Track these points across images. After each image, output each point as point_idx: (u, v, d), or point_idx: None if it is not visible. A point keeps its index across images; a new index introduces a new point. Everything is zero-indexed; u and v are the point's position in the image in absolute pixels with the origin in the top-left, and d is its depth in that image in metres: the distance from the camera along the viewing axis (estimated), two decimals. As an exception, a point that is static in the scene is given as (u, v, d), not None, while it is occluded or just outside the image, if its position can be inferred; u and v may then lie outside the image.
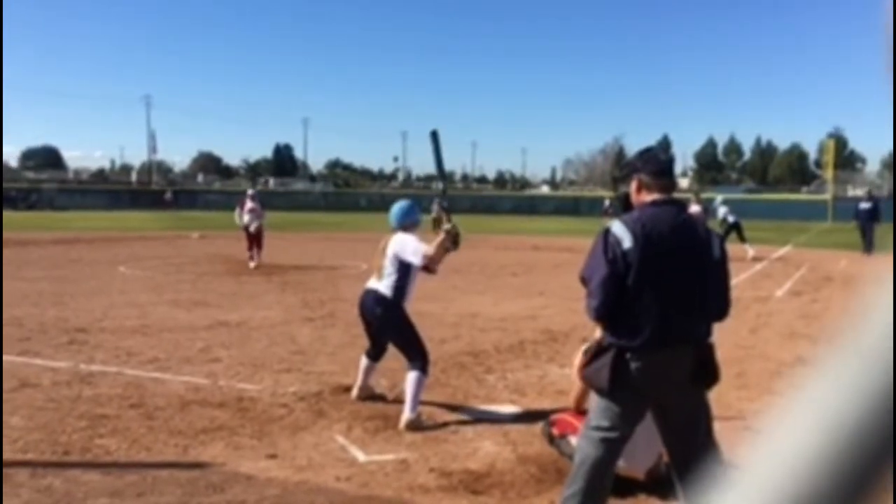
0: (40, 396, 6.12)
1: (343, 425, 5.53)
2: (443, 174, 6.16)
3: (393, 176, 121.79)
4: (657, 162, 3.65)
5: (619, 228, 3.42)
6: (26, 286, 13.04)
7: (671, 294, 3.37)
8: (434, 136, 6.05)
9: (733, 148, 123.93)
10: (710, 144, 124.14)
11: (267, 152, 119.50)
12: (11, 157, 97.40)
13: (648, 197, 3.55)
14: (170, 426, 5.42)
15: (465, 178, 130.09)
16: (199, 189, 79.56)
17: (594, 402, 3.57)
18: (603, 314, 3.39)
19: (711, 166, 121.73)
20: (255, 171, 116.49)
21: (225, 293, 12.78)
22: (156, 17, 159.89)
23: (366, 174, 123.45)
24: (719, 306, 3.54)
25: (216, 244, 23.11)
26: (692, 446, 3.51)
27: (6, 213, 28.22)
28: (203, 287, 13.56)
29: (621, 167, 4.01)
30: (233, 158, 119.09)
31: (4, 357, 7.46)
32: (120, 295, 12.25)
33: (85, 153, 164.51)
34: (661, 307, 3.34)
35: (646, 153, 3.76)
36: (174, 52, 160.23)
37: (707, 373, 3.47)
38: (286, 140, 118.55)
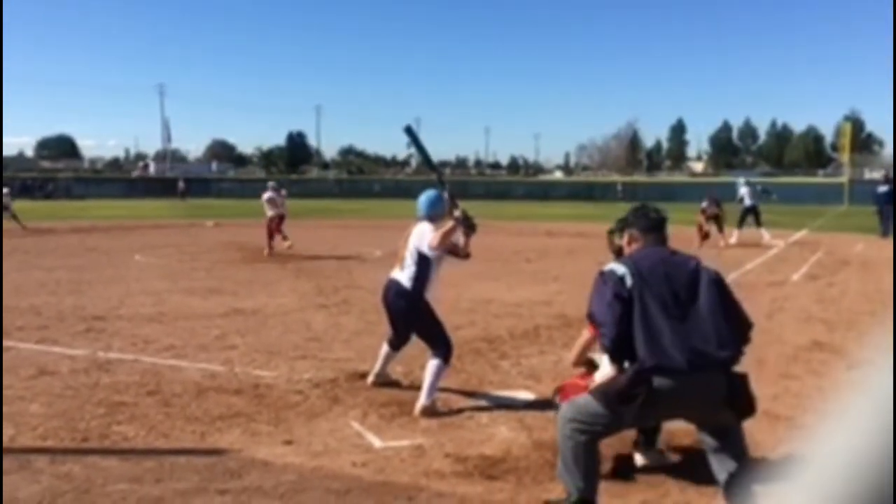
0: (59, 384, 6.18)
1: (358, 412, 5.55)
2: (431, 164, 6.08)
3: (406, 162, 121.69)
4: (648, 219, 3.99)
5: (616, 267, 3.69)
6: (44, 275, 13.14)
7: (675, 321, 3.50)
8: (409, 130, 6.04)
9: (748, 131, 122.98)
10: (725, 128, 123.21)
11: (280, 140, 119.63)
12: (27, 147, 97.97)
13: (638, 246, 3.93)
14: (187, 413, 5.46)
15: (478, 163, 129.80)
16: (213, 177, 79.83)
17: (585, 402, 3.65)
18: (617, 346, 3.52)
19: (726, 150, 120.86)
20: (268, 158, 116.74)
21: (240, 281, 12.83)
22: (170, 5, 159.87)
23: (379, 161, 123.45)
24: (736, 331, 3.61)
25: (230, 232, 23.20)
26: (723, 447, 3.66)
27: (23, 203, 28.41)
28: (218, 275, 13.63)
29: (617, 221, 4.30)
30: (246, 147, 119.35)
31: (23, 345, 7.54)
32: (136, 283, 12.33)
33: (99, 142, 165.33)
34: (669, 334, 3.46)
35: (639, 210, 4.10)
36: (188, 40, 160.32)
37: (740, 403, 3.56)
38: (299, 128, 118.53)
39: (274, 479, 4.27)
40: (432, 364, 5.64)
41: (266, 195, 17.86)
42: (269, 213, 17.54)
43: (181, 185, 59.39)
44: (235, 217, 27.30)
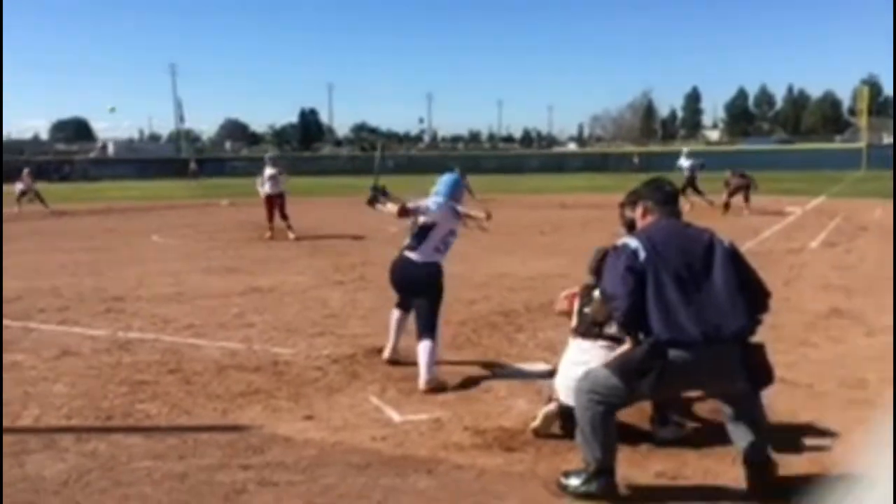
0: (81, 364, 6.26)
1: (377, 386, 5.60)
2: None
3: (419, 138, 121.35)
4: (663, 192, 4.01)
5: (629, 241, 3.69)
6: (64, 257, 13.27)
7: (690, 294, 3.51)
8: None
9: (765, 98, 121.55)
10: (741, 95, 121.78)
11: (293, 118, 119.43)
12: (42, 130, 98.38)
13: (652, 219, 3.91)
14: (208, 391, 5.53)
15: (490, 137, 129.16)
16: (227, 157, 79.98)
17: (602, 374, 3.68)
18: (630, 319, 3.54)
19: (742, 117, 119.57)
20: (280, 136, 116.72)
21: (256, 259, 12.91)
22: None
23: (392, 137, 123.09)
24: (753, 300, 3.61)
25: (245, 211, 23.27)
26: (741, 415, 3.72)
27: (41, 186, 28.63)
28: (234, 253, 13.71)
29: (629, 194, 4.34)
30: (259, 125, 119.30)
31: (46, 327, 7.63)
32: (154, 263, 12.43)
33: (114, 123, 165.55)
34: (683, 306, 3.47)
35: (653, 182, 4.10)
36: (199, 18, 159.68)
37: (757, 373, 3.58)
38: (311, 105, 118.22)
39: (295, 454, 4.33)
40: (424, 345, 5.58)
41: (268, 171, 16.27)
42: (269, 190, 16.16)
43: (192, 165, 59.42)
44: (250, 196, 27.35)
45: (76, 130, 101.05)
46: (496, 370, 6.01)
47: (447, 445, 4.45)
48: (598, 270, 4.71)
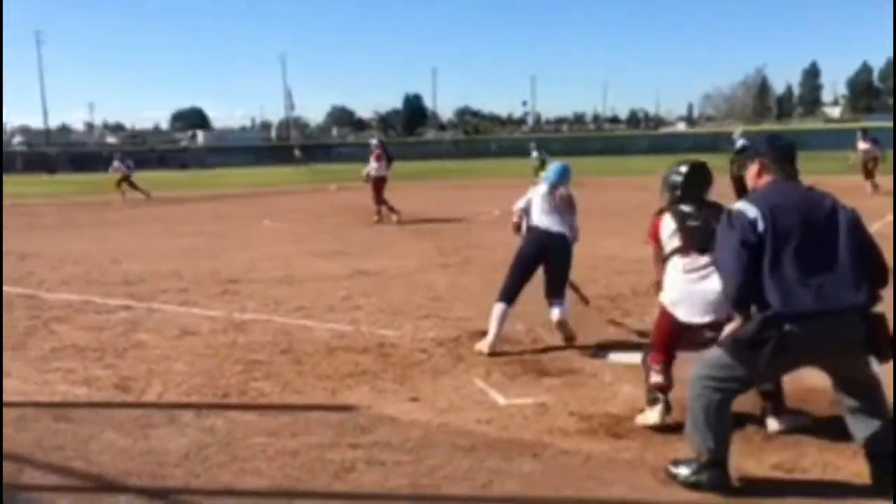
0: (200, 343, 6.55)
1: (482, 370, 5.61)
2: None
3: (522, 120, 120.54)
4: (784, 148, 3.75)
5: (747, 208, 3.45)
6: (183, 241, 13.92)
7: (809, 264, 3.32)
8: None
9: (891, 72, 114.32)
10: (865, 70, 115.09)
11: (397, 103, 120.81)
12: (162, 120, 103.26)
13: (770, 178, 3.65)
14: (318, 371, 5.68)
15: (595, 118, 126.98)
16: (333, 143, 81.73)
17: (715, 356, 3.53)
18: (742, 295, 3.36)
19: (866, 93, 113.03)
20: (385, 122, 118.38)
21: (362, 243, 13.16)
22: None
23: (495, 120, 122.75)
24: (871, 272, 3.39)
25: (352, 196, 23.74)
26: (859, 398, 3.51)
27: (162, 174, 30.06)
28: (342, 237, 14.02)
29: (738, 150, 4.10)
30: (365, 111, 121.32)
31: (168, 307, 8.02)
32: (265, 247, 12.86)
33: (227, 112, 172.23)
34: (801, 278, 3.29)
35: (774, 139, 3.85)
36: (307, 8, 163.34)
37: (879, 344, 3.36)
38: (415, 90, 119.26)
39: (402, 434, 4.39)
40: (561, 303, 6.20)
41: (377, 152, 16.67)
42: (375, 173, 16.45)
43: (297, 153, 60.96)
44: (356, 180, 27.92)
45: (193, 119, 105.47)
46: (602, 355, 5.92)
47: (552, 430, 4.42)
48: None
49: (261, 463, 4.03)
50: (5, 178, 28.97)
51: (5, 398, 5.11)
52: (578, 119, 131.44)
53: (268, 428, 4.55)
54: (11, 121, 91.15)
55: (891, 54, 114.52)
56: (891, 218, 14.00)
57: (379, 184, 16.56)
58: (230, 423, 4.66)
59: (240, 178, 41.08)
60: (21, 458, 4.13)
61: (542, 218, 6.28)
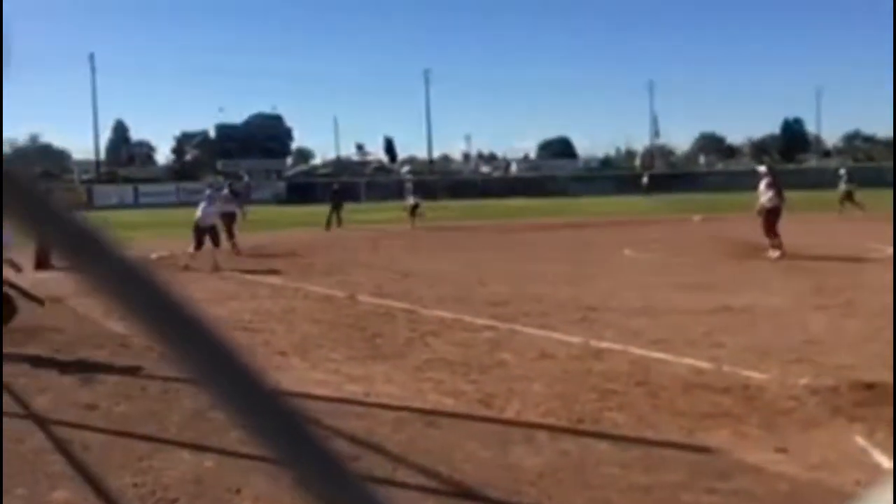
0: (557, 367, 6.71)
1: (864, 426, 4.95)
2: None
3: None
4: None
5: None
6: (546, 266, 14.46)
7: None
8: None
9: None
10: None
11: (774, 129, 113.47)
12: (531, 150, 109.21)
13: None
14: (673, 407, 5.48)
15: None
16: (700, 171, 79.30)
17: None
18: None
19: None
20: (760, 148, 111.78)
21: (728, 277, 12.49)
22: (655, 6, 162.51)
23: (892, 145, 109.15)
24: None
25: (718, 226, 22.74)
26: None
27: (527, 201, 31.70)
28: (706, 270, 13.45)
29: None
30: (736, 137, 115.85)
31: (528, 330, 8.35)
32: (625, 276, 12.82)
33: (593, 142, 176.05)
34: None
35: None
36: (674, 38, 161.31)
37: None
38: (796, 114, 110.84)
39: (766, 486, 4.04)
40: None
41: (767, 180, 15.29)
42: (766, 204, 15.12)
43: (644, 180, 60.03)
44: (722, 211, 26.73)
45: (560, 148, 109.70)
46: None
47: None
48: None
49: (612, 493, 3.97)
50: (395, 204, 32.76)
51: (388, 401, 5.71)
52: None
53: (620, 459, 4.48)
54: (400, 152, 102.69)
55: None
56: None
57: (772, 215, 15.16)
58: (583, 449, 4.68)
59: (602, 206, 41.70)
60: (396, 457, 4.57)
61: None
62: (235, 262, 15.88)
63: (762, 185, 15.41)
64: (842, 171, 21.14)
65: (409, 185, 31.78)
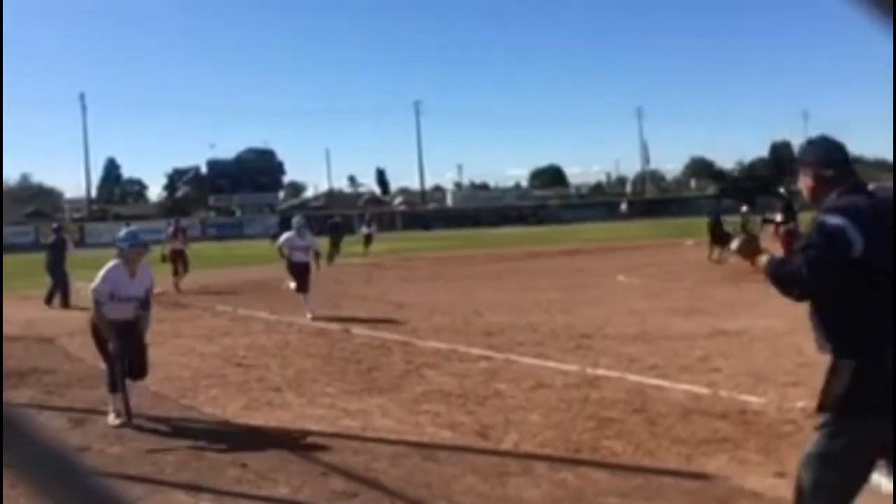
0: (553, 396, 6.68)
1: (863, 449, 4.94)
2: None
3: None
4: (834, 150, 3.20)
5: (835, 217, 2.93)
6: (538, 295, 14.45)
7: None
8: None
9: None
10: None
11: (762, 151, 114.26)
12: (522, 178, 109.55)
13: (830, 188, 3.09)
14: (672, 434, 5.45)
15: None
16: (691, 195, 79.78)
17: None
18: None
19: None
20: (749, 172, 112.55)
21: (722, 301, 12.52)
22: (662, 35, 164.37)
23: (881, 167, 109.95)
24: None
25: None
26: None
27: (519, 230, 31.79)
28: (700, 294, 13.48)
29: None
30: (726, 161, 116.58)
31: (524, 359, 8.33)
32: (619, 302, 12.83)
33: (584, 169, 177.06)
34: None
35: (816, 142, 3.32)
36: (663, 62, 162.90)
37: None
38: (783, 136, 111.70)
39: (765, 513, 4.01)
40: None
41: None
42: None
43: (623, 207, 60.67)
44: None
45: (552, 177, 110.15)
46: None
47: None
48: None
49: (612, 525, 3.94)
50: (389, 235, 32.92)
51: (385, 435, 5.68)
52: None
53: (619, 488, 4.45)
54: (393, 183, 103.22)
55: None
56: None
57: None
58: (581, 479, 4.64)
59: (594, 232, 41.82)
60: (394, 492, 4.53)
61: None
62: (230, 298, 15.82)
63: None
64: (744, 209, 21.28)
65: (366, 215, 34.42)
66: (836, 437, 2.95)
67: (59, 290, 15.30)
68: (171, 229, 18.97)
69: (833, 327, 2.98)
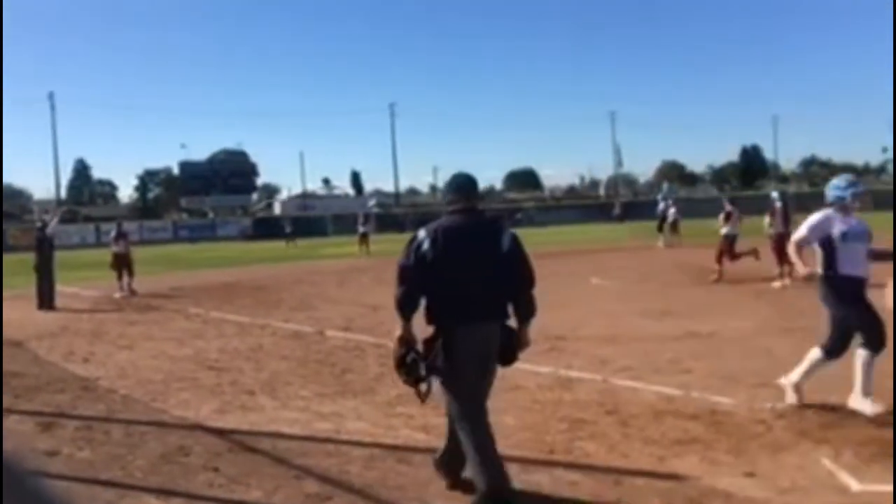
0: (527, 398, 6.70)
1: (830, 448, 5.02)
2: None
3: (881, 169, 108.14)
4: (456, 183, 4.65)
5: (422, 233, 4.46)
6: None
7: (466, 280, 4.39)
8: None
9: None
10: None
11: (733, 156, 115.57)
12: (496, 180, 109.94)
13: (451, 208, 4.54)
14: (644, 435, 5.50)
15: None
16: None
17: None
18: (406, 303, 4.64)
19: None
20: (720, 176, 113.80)
21: (693, 303, 12.63)
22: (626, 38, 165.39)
23: (847, 169, 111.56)
24: (516, 284, 4.68)
25: (683, 253, 23.03)
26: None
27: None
28: (671, 296, 13.60)
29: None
30: (697, 165, 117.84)
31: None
32: (592, 304, 12.91)
33: (557, 171, 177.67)
34: (460, 291, 4.42)
35: (451, 178, 4.74)
36: (636, 66, 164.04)
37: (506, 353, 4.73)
38: (754, 141, 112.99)
39: (737, 512, 4.06)
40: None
41: (729, 208, 16.43)
42: (727, 231, 15.94)
43: (616, 210, 60.98)
44: (688, 237, 27.08)
45: (526, 179, 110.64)
46: None
47: (921, 528, 3.78)
48: None
49: (585, 526, 3.96)
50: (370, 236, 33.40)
51: (359, 438, 5.66)
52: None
53: (592, 490, 4.48)
54: (368, 185, 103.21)
55: None
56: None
57: (725, 241, 15.86)
58: (555, 480, 4.67)
59: (568, 235, 42.00)
60: (368, 495, 4.52)
61: None
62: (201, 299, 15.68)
63: (768, 213, 15.78)
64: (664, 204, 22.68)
65: (361, 217, 36.79)
66: None
67: (45, 291, 14.99)
68: (113, 233, 18.53)
69: None
